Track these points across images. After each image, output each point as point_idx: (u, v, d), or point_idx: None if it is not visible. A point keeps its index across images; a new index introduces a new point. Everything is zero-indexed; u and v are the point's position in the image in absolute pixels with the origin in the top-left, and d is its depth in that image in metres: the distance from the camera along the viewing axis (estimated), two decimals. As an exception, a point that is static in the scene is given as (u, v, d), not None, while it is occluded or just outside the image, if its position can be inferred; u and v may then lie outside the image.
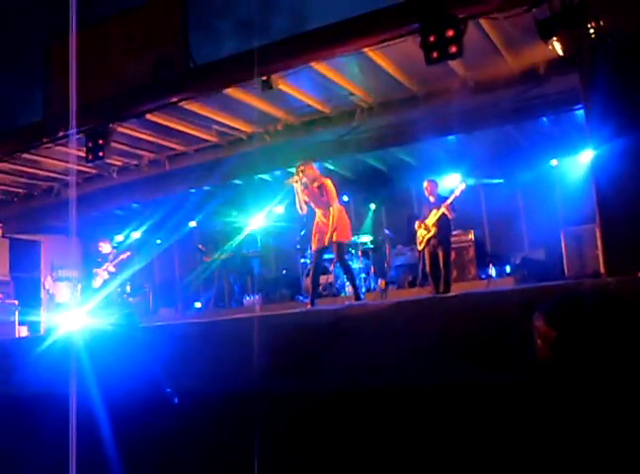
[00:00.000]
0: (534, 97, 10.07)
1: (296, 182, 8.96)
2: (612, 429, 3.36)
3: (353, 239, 11.02)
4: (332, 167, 13.71)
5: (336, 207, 8.91)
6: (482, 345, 5.23)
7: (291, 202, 15.02)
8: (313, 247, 9.11)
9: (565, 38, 7.59)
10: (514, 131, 12.16)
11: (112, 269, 11.95)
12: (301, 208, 9.05)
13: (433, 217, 9.89)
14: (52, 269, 15.85)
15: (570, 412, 3.51)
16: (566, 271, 10.87)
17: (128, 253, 12.21)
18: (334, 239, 8.84)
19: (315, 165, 9.33)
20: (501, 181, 13.00)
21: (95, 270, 12.08)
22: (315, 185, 9.04)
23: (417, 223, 10.20)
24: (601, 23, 7.29)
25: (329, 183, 9.03)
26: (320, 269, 9.91)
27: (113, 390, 6.54)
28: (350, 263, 12.76)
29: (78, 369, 6.51)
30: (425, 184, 10.24)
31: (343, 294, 12.56)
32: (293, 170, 9.34)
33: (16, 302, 13.76)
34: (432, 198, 10.12)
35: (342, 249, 9.13)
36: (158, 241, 16.27)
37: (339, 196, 9.19)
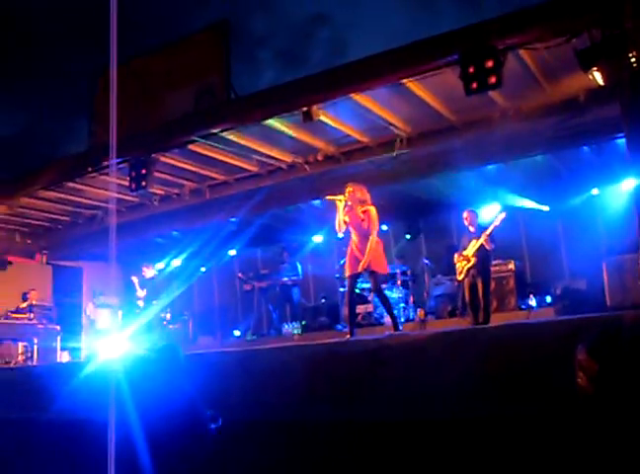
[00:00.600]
0: (574, 126, 10.01)
1: (340, 200, 8.84)
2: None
3: (389, 271, 10.83)
4: (371, 196, 13.74)
5: (374, 237, 8.72)
6: (522, 377, 5.18)
7: (330, 230, 15.17)
8: (347, 272, 8.94)
9: (605, 67, 7.57)
10: (554, 160, 12.08)
11: (141, 293, 12.16)
12: (339, 227, 8.87)
13: (472, 248, 9.86)
14: (94, 295, 16.07)
15: (611, 445, 3.46)
16: (608, 301, 10.70)
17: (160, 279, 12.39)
18: (370, 267, 8.66)
19: (366, 189, 9.07)
20: (545, 207, 12.92)
21: (137, 293, 12.30)
22: (360, 209, 8.83)
23: (456, 254, 10.16)
24: (643, 52, 7.26)
25: (373, 211, 8.81)
26: (355, 296, 9.80)
27: (152, 417, 6.59)
28: (388, 293, 12.78)
29: (118, 396, 6.58)
30: (464, 214, 10.22)
31: (383, 323, 12.52)
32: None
33: (58, 328, 13.93)
34: (471, 229, 10.09)
35: (378, 279, 8.98)
36: (202, 269, 16.43)
37: (379, 226, 9.00)
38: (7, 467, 7.60)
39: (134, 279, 12.99)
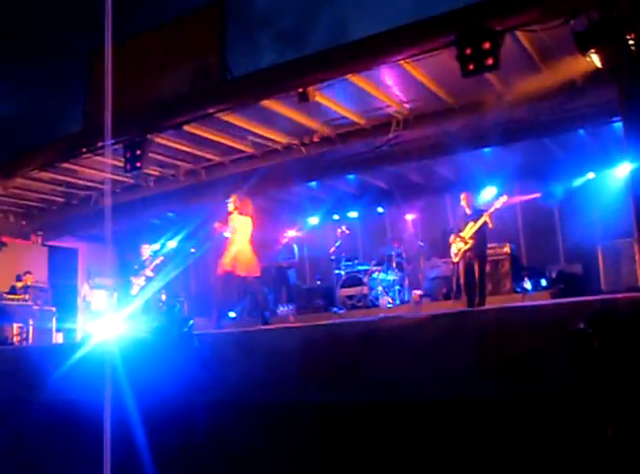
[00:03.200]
0: (571, 109, 9.99)
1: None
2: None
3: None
4: (367, 178, 13.75)
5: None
6: (517, 359, 5.19)
7: (326, 214, 15.17)
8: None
9: (603, 50, 7.52)
10: (550, 144, 12.06)
11: (149, 273, 12.10)
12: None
13: (470, 230, 9.82)
14: (89, 276, 16.03)
15: (604, 425, 3.47)
16: (603, 285, 10.74)
17: (162, 257, 12.35)
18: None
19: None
20: (537, 195, 12.92)
21: (132, 278, 12.23)
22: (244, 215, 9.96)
23: (452, 236, 10.14)
24: (641, 35, 7.22)
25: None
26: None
27: (147, 396, 6.60)
28: (383, 275, 12.81)
29: (113, 376, 6.58)
30: (462, 195, 10.19)
31: (378, 305, 12.55)
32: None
33: (53, 309, 13.91)
34: (468, 210, 10.06)
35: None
36: (192, 250, 16.38)
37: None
38: (3, 446, 7.62)
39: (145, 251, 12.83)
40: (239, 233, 9.89)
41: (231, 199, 10.05)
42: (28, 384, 8.15)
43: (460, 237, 9.91)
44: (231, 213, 10.01)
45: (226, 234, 9.99)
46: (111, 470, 4.12)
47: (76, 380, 7.46)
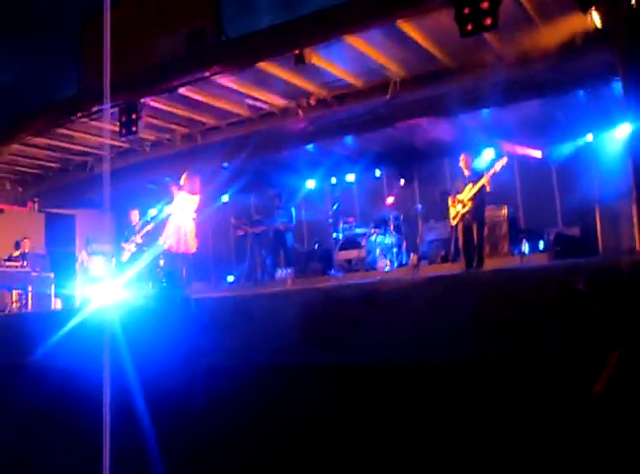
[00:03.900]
0: (571, 70, 9.90)
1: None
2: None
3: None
4: (364, 141, 13.68)
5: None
6: (516, 321, 5.20)
7: (323, 177, 15.12)
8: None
9: (604, 8, 7.44)
10: (549, 105, 11.97)
11: (139, 240, 12.08)
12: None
13: (469, 192, 9.79)
14: (87, 242, 16.01)
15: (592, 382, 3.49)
16: (601, 247, 10.73)
17: (153, 224, 12.32)
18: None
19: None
20: (538, 154, 12.88)
21: (122, 244, 12.25)
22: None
23: (450, 199, 10.11)
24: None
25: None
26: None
27: (146, 362, 6.62)
28: (381, 237, 12.80)
29: (112, 342, 6.59)
30: (461, 157, 10.14)
31: (376, 268, 12.57)
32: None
33: (51, 275, 13.93)
34: (467, 172, 10.02)
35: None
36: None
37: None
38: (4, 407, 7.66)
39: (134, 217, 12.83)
40: (186, 211, 10.04)
41: (182, 178, 10.13)
42: (26, 350, 8.17)
43: (459, 199, 9.89)
44: (180, 190, 10.08)
45: (171, 211, 10.18)
46: (110, 436, 4.13)
47: (74, 346, 7.47)
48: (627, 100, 7.69)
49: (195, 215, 10.15)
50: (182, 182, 10.02)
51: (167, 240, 9.98)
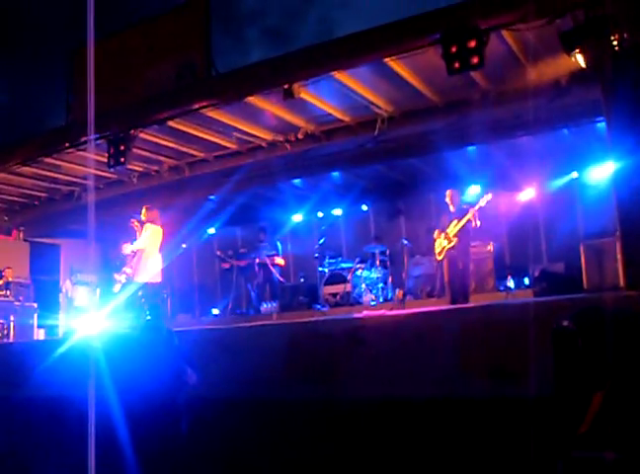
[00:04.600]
0: (556, 108, 10.01)
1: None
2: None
3: None
4: (352, 176, 13.75)
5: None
6: (499, 357, 5.20)
7: (310, 211, 15.16)
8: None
9: (588, 50, 7.56)
10: (535, 142, 12.10)
11: (129, 271, 12.04)
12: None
13: (454, 228, 9.83)
14: (71, 272, 15.93)
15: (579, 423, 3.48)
16: (585, 283, 10.78)
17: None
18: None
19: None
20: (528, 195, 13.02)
21: (115, 275, 12.19)
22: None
23: (437, 232, 10.15)
24: (625, 35, 7.26)
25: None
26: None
27: (130, 392, 6.57)
28: (366, 273, 12.81)
29: (96, 372, 6.54)
30: (448, 192, 10.21)
31: (361, 302, 12.56)
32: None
33: (35, 305, 13.83)
34: (452, 208, 10.09)
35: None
36: (183, 246, 16.34)
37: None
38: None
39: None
40: (153, 242, 10.56)
41: (142, 212, 10.70)
42: (9, 381, 8.08)
43: (445, 234, 9.92)
44: (144, 224, 10.57)
45: (136, 247, 10.63)
46: (94, 463, 4.09)
47: (59, 376, 7.41)
48: (611, 138, 7.77)
49: (158, 246, 10.62)
50: (143, 216, 10.47)
51: (135, 272, 10.48)
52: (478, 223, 9.78)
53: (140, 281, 10.47)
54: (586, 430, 3.50)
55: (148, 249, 10.49)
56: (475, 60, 7.71)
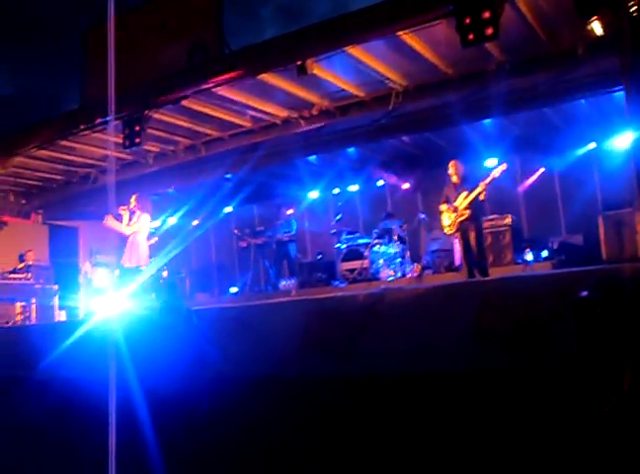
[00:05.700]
0: (572, 79, 9.90)
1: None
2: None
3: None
4: (367, 151, 13.71)
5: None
6: (518, 329, 5.19)
7: (326, 188, 15.14)
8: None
9: (605, 17, 7.45)
10: (551, 114, 11.99)
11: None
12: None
13: (464, 200, 9.67)
14: (90, 254, 16.04)
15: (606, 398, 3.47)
16: (604, 255, 10.71)
17: (156, 238, 12.35)
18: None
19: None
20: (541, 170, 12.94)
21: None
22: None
23: (444, 205, 10.02)
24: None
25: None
26: None
27: (150, 373, 6.62)
28: (384, 248, 12.77)
29: (116, 354, 6.60)
30: (452, 163, 10.03)
31: (379, 278, 12.55)
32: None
33: (56, 287, 13.95)
34: (455, 179, 9.91)
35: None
36: (194, 222, 16.40)
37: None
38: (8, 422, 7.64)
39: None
40: (143, 229, 10.82)
41: (132, 199, 10.85)
42: (30, 363, 8.16)
43: (454, 207, 9.77)
44: (134, 212, 10.79)
45: (126, 230, 10.80)
46: (115, 446, 4.14)
47: (79, 358, 7.47)
48: (630, 107, 7.66)
49: (147, 233, 11.03)
50: (132, 204, 10.79)
51: (124, 257, 10.75)
52: (483, 197, 9.63)
53: (132, 266, 10.71)
54: (612, 408, 3.49)
55: (140, 235, 10.76)
56: (490, 31, 7.60)
